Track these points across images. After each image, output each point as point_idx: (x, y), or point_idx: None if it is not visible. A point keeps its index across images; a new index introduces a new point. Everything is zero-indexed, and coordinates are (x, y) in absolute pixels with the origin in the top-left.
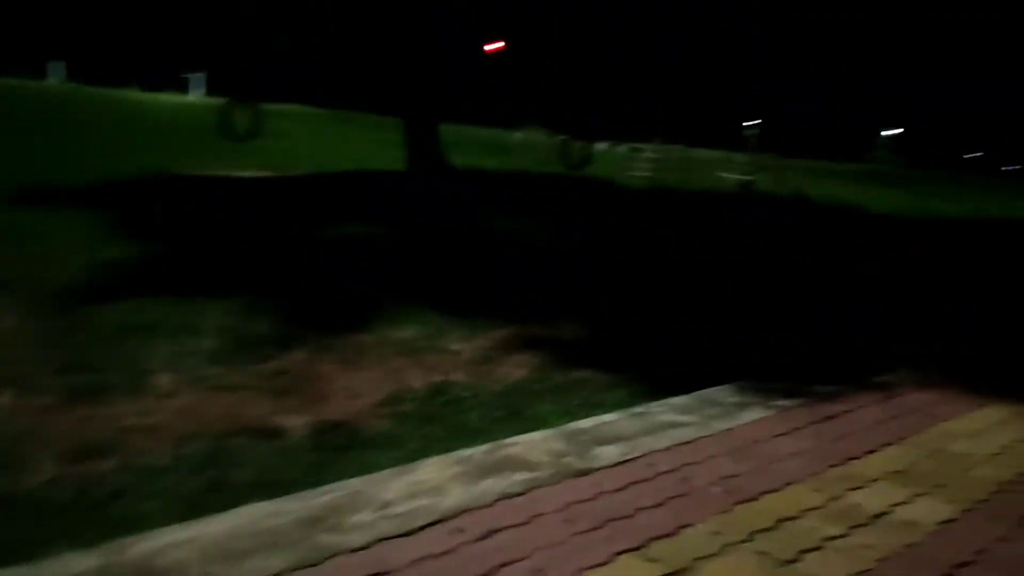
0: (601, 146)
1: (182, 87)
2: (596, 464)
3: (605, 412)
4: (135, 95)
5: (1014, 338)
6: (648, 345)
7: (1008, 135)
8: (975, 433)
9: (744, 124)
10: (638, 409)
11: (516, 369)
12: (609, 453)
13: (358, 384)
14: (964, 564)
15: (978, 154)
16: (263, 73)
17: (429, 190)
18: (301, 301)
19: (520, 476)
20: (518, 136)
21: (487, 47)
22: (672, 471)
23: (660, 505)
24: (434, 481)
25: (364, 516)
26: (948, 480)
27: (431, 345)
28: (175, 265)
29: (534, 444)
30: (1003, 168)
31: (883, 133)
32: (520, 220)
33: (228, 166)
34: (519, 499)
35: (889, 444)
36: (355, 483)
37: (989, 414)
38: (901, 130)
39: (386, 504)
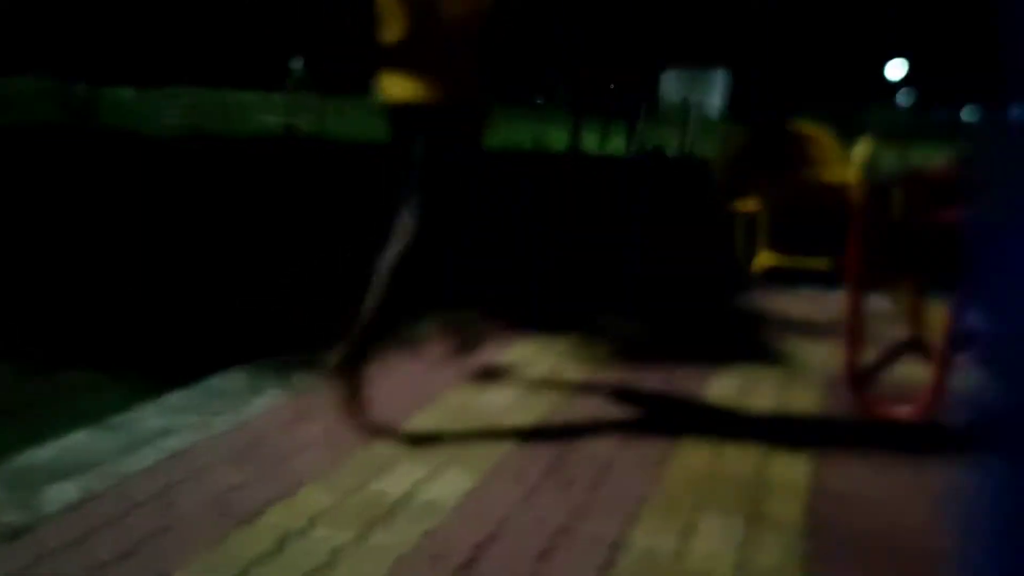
0: (128, 93)
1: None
2: (43, 513)
3: (77, 429)
4: None
5: (530, 268)
6: (161, 328)
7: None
8: (497, 381)
9: (289, 62)
10: (118, 419)
11: None
12: (64, 493)
13: None
14: (486, 541)
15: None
16: None
17: None
18: None
19: None
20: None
21: None
22: (152, 499)
23: (130, 555)
24: None
25: None
26: (472, 441)
27: None
28: None
29: None
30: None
31: None
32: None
33: None
34: None
35: (419, 407)
36: None
37: (516, 354)
38: None
39: None
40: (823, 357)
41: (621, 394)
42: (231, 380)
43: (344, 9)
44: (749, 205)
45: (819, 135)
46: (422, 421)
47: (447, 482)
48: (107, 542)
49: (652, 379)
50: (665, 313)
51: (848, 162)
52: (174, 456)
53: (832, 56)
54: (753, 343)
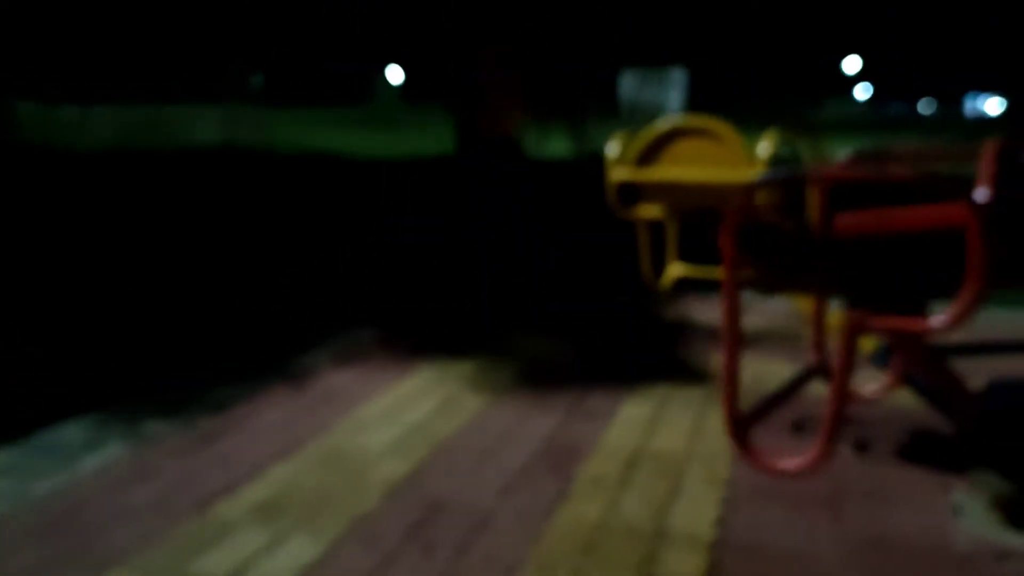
0: (50, 110)
1: None
2: None
3: None
4: None
5: (445, 286)
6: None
7: None
8: (386, 418)
9: (234, 72)
10: None
11: None
12: None
13: None
14: None
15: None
16: None
17: None
18: None
19: None
20: None
21: None
22: None
23: None
24: None
25: None
26: (330, 498)
27: None
28: None
29: None
30: None
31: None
32: None
33: None
34: None
35: (278, 457)
36: None
37: (413, 383)
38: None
39: None
40: (748, 373)
41: (516, 428)
42: (67, 433)
43: (303, 23)
44: (652, 212)
45: (722, 131)
46: (280, 473)
47: (286, 554)
48: None
49: (557, 405)
50: (579, 327)
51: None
52: None
53: (789, 52)
54: (671, 359)
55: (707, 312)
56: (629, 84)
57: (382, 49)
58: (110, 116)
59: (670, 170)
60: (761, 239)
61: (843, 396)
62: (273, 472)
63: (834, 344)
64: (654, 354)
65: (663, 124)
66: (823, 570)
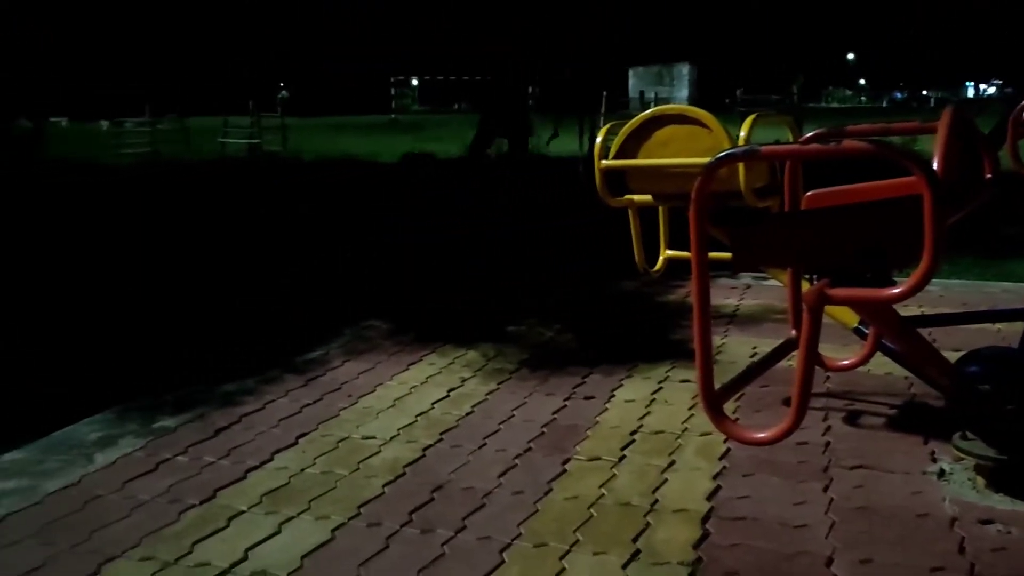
0: (87, 126)
1: None
2: None
3: None
4: None
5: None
6: (31, 370)
7: None
8: (389, 407)
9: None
10: None
11: None
12: None
13: None
14: None
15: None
16: None
17: None
18: None
19: None
20: None
21: None
22: None
23: None
24: None
25: None
26: (337, 484)
27: None
28: None
29: None
30: None
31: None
32: None
33: None
34: None
35: (285, 448)
36: None
37: (421, 371)
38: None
39: None
40: (745, 351)
41: (519, 412)
42: (81, 431)
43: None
44: (640, 199)
45: (704, 118)
46: (288, 462)
47: (291, 539)
48: None
49: (558, 389)
50: (580, 314)
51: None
52: None
53: (794, 44)
54: (668, 341)
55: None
56: (638, 80)
57: (402, 57)
58: (144, 128)
59: (653, 157)
60: (733, 218)
61: (810, 367)
62: (282, 461)
63: None
64: (652, 337)
65: (645, 113)
66: (812, 537)
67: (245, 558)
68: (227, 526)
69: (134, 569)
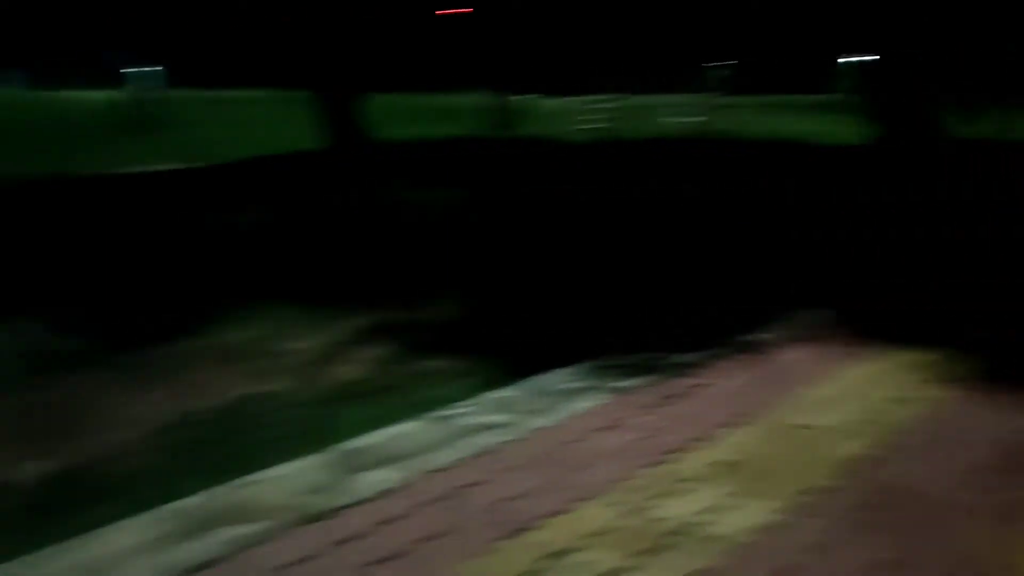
0: (554, 102)
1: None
2: (347, 500)
3: (417, 416)
4: (70, 95)
5: (919, 280)
6: (518, 323)
7: None
8: (839, 399)
9: (708, 65)
10: (446, 412)
11: (353, 367)
12: (372, 481)
13: (140, 409)
14: None
15: None
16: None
17: (340, 168)
18: (129, 309)
19: (238, 531)
20: (462, 100)
21: (440, 11)
22: (441, 500)
23: (398, 556)
24: (115, 553)
25: None
26: (781, 468)
27: (264, 348)
28: None
29: (284, 479)
30: None
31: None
32: (430, 192)
33: (128, 162)
34: (221, 566)
35: (731, 425)
36: None
37: (861, 373)
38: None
39: None
40: None
41: (971, 422)
42: (558, 378)
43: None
44: None
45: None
46: (733, 439)
47: (742, 514)
48: (386, 540)
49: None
50: None
51: None
52: (479, 455)
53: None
54: None
55: None
56: None
57: (842, 39)
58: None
59: None
60: None
61: None
62: (726, 437)
63: None
64: None
65: None
66: None
67: (695, 522)
68: (678, 489)
69: (601, 511)
